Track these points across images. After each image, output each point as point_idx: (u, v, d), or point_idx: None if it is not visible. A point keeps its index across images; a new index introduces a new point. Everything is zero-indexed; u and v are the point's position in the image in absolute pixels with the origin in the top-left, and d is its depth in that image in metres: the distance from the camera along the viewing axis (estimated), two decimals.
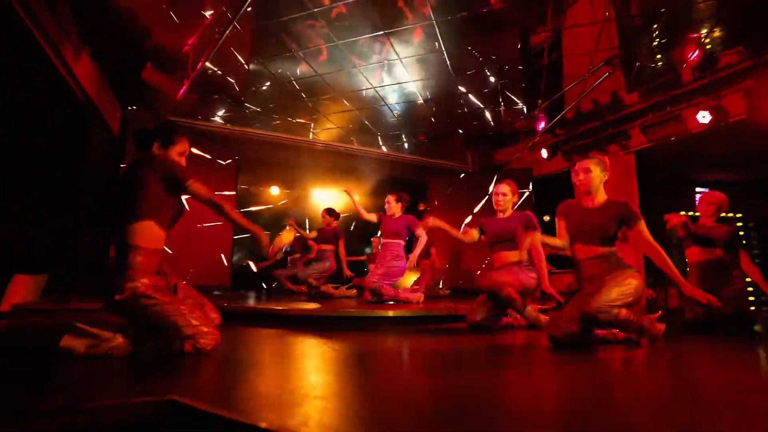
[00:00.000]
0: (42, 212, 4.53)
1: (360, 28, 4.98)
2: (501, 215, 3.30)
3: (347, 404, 1.28)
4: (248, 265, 6.34)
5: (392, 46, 5.30)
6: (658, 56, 5.62)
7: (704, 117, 4.81)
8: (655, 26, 5.60)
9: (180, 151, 2.10)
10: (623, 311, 2.11)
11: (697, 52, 4.95)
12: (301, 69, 5.66)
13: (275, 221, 7.59)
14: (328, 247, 5.38)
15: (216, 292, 5.43)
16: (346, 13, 4.75)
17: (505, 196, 3.29)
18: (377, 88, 6.30)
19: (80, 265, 4.70)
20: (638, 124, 5.63)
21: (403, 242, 4.40)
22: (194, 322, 1.83)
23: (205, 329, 1.85)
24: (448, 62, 5.81)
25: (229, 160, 6.48)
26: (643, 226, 2.31)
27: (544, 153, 6.83)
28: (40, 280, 4.36)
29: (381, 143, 7.75)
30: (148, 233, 1.87)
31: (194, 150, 5.66)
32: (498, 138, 8.04)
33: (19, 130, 4.28)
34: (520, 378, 1.69)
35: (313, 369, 1.77)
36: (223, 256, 6.07)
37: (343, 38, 5.11)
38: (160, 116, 5.12)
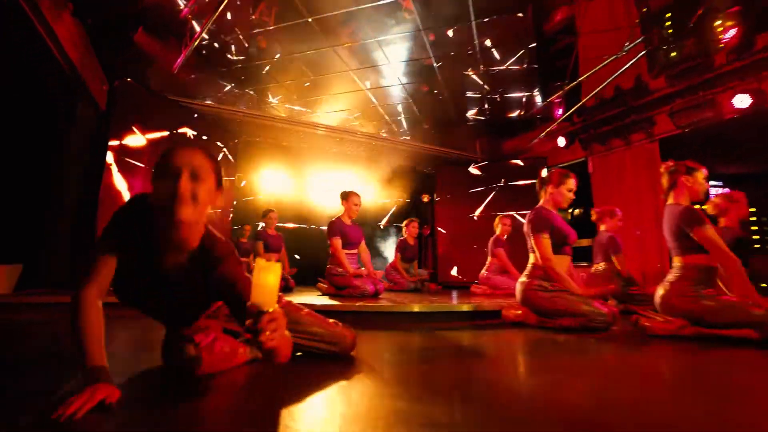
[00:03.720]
0: (19, 196, 4.00)
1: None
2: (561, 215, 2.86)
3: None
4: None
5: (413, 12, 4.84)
6: (687, 39, 5.33)
7: (742, 101, 4.53)
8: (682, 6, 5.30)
9: None
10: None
11: (733, 32, 4.66)
12: (306, 42, 5.18)
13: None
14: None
15: None
16: None
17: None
18: (383, 66, 5.88)
19: (58, 256, 4.17)
20: (666, 110, 5.34)
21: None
22: None
23: None
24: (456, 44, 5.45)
25: (230, 144, 5.98)
26: None
27: (561, 141, 6.50)
28: (13, 270, 3.83)
29: (389, 129, 7.34)
30: None
31: (190, 131, 5.17)
32: (508, 126, 7.70)
33: None
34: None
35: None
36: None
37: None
38: (152, 90, 4.57)
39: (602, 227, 4.08)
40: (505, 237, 4.95)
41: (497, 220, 5.03)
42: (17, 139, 3.90)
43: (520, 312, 2.62)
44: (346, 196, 4.11)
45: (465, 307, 3.07)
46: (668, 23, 4.86)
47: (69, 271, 4.20)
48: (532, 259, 2.61)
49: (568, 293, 2.39)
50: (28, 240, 4.03)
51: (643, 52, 5.28)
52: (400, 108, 7.21)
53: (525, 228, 2.65)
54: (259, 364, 1.46)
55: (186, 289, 1.19)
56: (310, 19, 4.67)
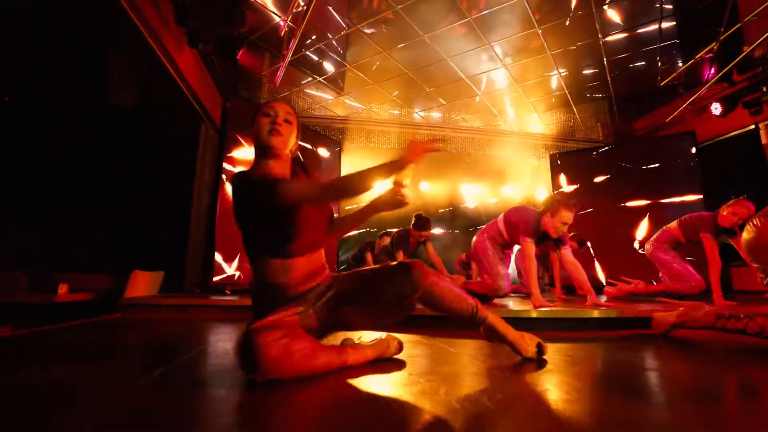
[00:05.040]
0: (160, 210, 4.62)
1: None
2: None
3: None
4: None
5: None
6: None
7: None
8: None
9: (265, 117, 1.39)
10: None
11: None
12: (399, 37, 5.03)
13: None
14: None
15: None
16: None
17: None
18: (482, 48, 5.41)
19: (190, 263, 4.67)
20: None
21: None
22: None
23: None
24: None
25: (334, 150, 6.17)
26: None
27: (717, 108, 5.19)
28: (158, 276, 4.39)
29: (494, 121, 6.80)
30: (259, 270, 1.30)
31: (300, 143, 5.44)
32: (639, 101, 6.50)
33: (136, 130, 4.43)
34: None
35: None
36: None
37: None
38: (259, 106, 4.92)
39: None
40: (728, 226, 3.16)
41: (729, 206, 3.18)
42: (157, 162, 4.54)
43: (681, 310, 1.91)
44: (553, 210, 2.92)
45: (596, 313, 2.49)
46: None
47: (201, 277, 4.68)
48: None
49: None
50: (171, 250, 4.60)
51: None
52: (505, 96, 6.62)
53: None
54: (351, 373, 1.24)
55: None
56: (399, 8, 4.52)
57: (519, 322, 2.43)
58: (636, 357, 1.58)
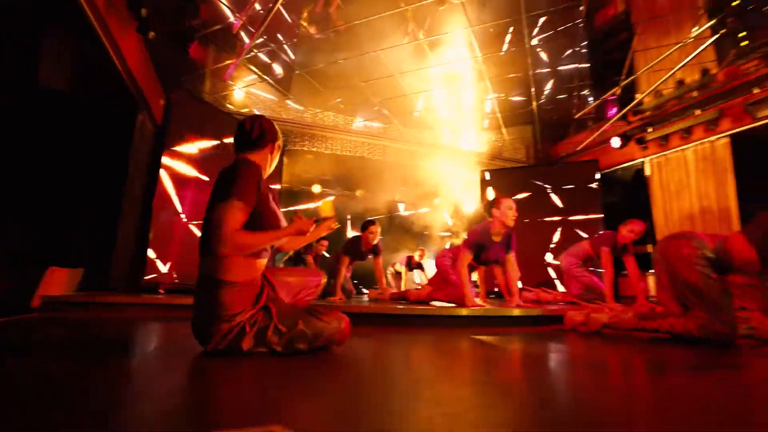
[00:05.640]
0: (83, 205, 4.27)
1: None
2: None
3: None
4: None
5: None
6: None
7: None
8: None
9: (280, 145, 1.72)
10: None
11: None
12: (348, 49, 5.24)
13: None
14: None
15: None
16: None
17: None
18: (428, 69, 5.82)
19: (116, 259, 4.38)
20: (740, 101, 4.87)
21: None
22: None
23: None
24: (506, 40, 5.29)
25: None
26: None
27: (616, 142, 6.10)
28: (76, 273, 4.06)
29: (432, 135, 7.25)
30: (237, 264, 1.43)
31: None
32: (558, 129, 7.38)
33: (63, 116, 4.07)
34: None
35: None
36: None
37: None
38: (205, 101, 4.78)
39: None
40: (627, 242, 3.77)
41: (625, 225, 3.78)
42: (83, 154, 4.20)
43: (612, 313, 2.25)
44: (495, 203, 3.21)
45: (516, 312, 2.88)
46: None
47: (132, 275, 4.36)
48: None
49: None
50: (95, 246, 4.26)
51: (710, 41, 4.89)
52: (443, 113, 7.12)
53: None
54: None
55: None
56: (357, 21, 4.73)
57: (453, 319, 2.74)
58: (547, 344, 1.93)
